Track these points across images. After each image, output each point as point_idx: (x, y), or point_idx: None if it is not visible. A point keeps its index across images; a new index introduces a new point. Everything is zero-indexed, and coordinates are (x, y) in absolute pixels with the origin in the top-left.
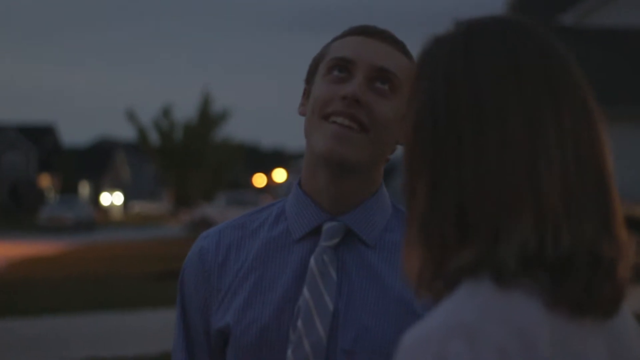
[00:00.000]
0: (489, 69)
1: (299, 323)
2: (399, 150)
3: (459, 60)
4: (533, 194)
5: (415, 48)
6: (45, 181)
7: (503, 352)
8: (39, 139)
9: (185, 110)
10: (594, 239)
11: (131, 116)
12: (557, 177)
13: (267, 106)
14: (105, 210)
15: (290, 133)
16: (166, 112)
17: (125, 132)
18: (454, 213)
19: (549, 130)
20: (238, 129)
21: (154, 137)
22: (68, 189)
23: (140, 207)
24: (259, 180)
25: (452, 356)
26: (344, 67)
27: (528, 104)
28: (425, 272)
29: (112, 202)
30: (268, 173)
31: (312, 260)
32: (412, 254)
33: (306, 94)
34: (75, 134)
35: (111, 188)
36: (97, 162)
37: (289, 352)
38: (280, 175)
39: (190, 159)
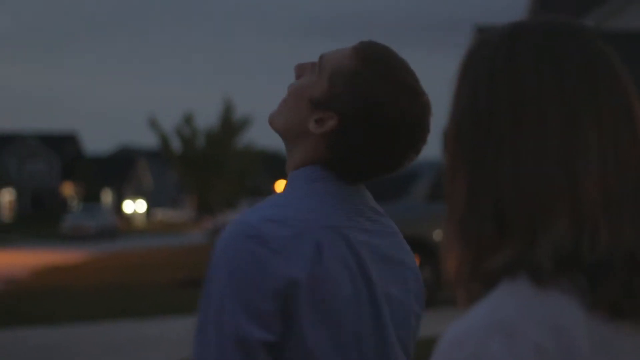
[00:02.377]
0: (531, 71)
1: None
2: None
3: (501, 61)
4: (571, 195)
5: (424, 53)
6: (67, 189)
7: (542, 351)
8: (61, 147)
9: (207, 118)
10: (634, 241)
11: (153, 124)
12: (596, 179)
13: None
14: (128, 218)
15: None
16: (188, 119)
17: (147, 140)
18: (491, 213)
19: (588, 133)
20: (260, 136)
21: (176, 145)
22: (91, 197)
23: (163, 214)
24: (281, 186)
25: (491, 354)
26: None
27: (568, 106)
28: (462, 271)
29: (134, 210)
30: None
31: None
32: (450, 253)
33: None
34: (97, 142)
35: (133, 196)
36: (120, 170)
37: None
38: None
39: (212, 166)
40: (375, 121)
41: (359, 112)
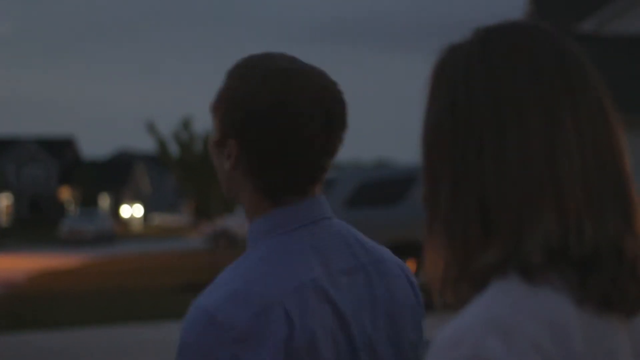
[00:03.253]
0: (507, 71)
1: None
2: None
3: (477, 64)
4: (554, 189)
5: (431, 56)
6: (65, 194)
7: (538, 347)
8: (59, 152)
9: (205, 122)
10: (617, 235)
11: (151, 128)
12: (578, 173)
13: None
14: (126, 223)
15: None
16: (186, 124)
17: (145, 144)
18: (476, 211)
19: (568, 129)
20: None
21: (174, 149)
22: (88, 202)
23: (161, 219)
24: None
25: (488, 353)
26: None
27: (546, 104)
28: (449, 273)
29: (132, 215)
30: None
31: None
32: (435, 256)
33: None
34: (95, 146)
35: (131, 200)
36: (117, 174)
37: None
38: None
39: (210, 170)
40: (265, 125)
41: (245, 121)
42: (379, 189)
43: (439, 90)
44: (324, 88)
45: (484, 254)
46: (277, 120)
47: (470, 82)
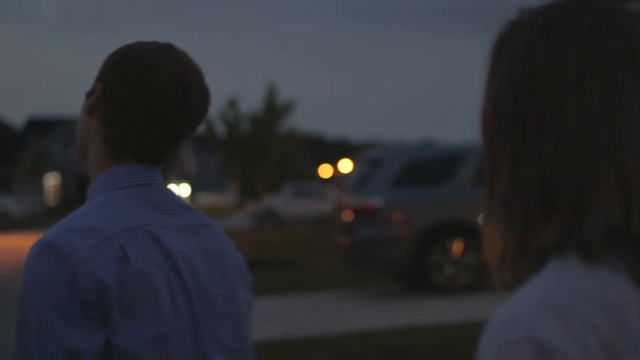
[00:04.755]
0: (569, 47)
1: None
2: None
3: (538, 40)
4: (617, 169)
5: (483, 34)
6: None
7: (594, 328)
8: None
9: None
10: None
11: None
12: None
13: (331, 97)
14: None
15: (355, 123)
16: (232, 104)
17: None
18: (537, 190)
19: (631, 107)
20: (303, 120)
21: (220, 129)
22: None
23: (207, 198)
24: (325, 171)
25: (543, 334)
26: None
27: (609, 81)
28: (508, 252)
29: (178, 194)
30: (333, 164)
31: None
32: (494, 235)
33: None
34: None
35: (177, 180)
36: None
37: None
38: (346, 165)
39: (256, 150)
40: (128, 76)
41: (114, 67)
42: (426, 168)
43: (499, 66)
44: (191, 72)
45: (544, 232)
46: (140, 74)
47: (531, 58)
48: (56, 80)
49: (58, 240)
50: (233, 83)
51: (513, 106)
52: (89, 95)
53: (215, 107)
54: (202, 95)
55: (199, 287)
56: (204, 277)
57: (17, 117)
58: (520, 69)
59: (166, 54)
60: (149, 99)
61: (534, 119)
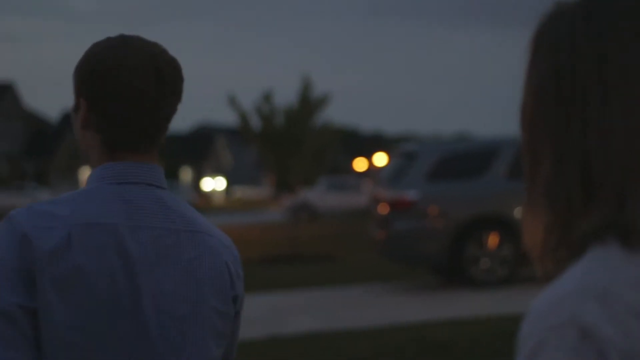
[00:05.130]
0: (611, 34)
1: None
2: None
3: (580, 27)
4: None
5: (496, 30)
6: None
7: (636, 314)
8: None
9: (286, 95)
10: None
11: (232, 101)
12: None
13: (366, 90)
14: (207, 196)
15: (390, 117)
16: (267, 97)
17: (226, 118)
18: (579, 177)
19: None
20: (338, 114)
21: (255, 123)
22: (170, 175)
23: (242, 192)
24: (360, 164)
25: (585, 319)
26: None
27: None
28: (549, 240)
29: (213, 188)
30: (368, 157)
31: None
32: (534, 224)
33: None
34: (176, 120)
35: (213, 173)
36: (199, 147)
37: None
38: (381, 159)
39: (291, 143)
40: (104, 82)
41: (90, 81)
42: (461, 162)
43: (541, 55)
44: (156, 53)
45: (585, 220)
46: (114, 77)
47: (574, 47)
48: None
49: (17, 216)
50: (268, 77)
51: (556, 94)
52: (76, 110)
53: (251, 100)
54: (172, 70)
55: (156, 290)
56: (166, 281)
57: (52, 112)
58: (563, 57)
59: (128, 47)
60: (125, 94)
61: (577, 105)
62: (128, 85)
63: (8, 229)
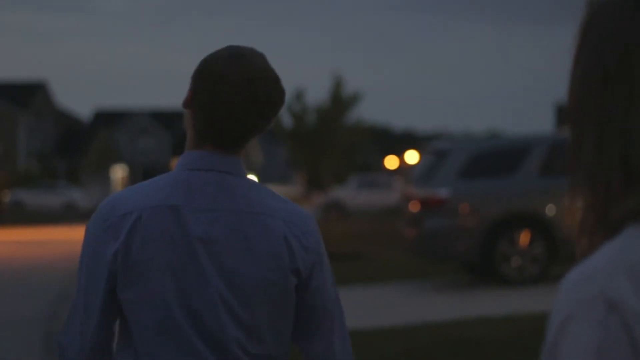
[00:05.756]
0: None
1: None
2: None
3: (628, 16)
4: None
5: (529, 27)
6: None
7: None
8: (172, 123)
9: (317, 93)
10: None
11: None
12: None
13: (397, 88)
14: None
15: (421, 114)
16: (299, 96)
17: None
18: (619, 162)
19: None
20: (369, 112)
21: (286, 120)
22: None
23: (273, 189)
24: (391, 162)
25: (615, 293)
26: None
27: None
28: (587, 222)
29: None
30: (399, 155)
31: None
32: (576, 202)
33: None
34: None
35: None
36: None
37: None
38: (412, 157)
39: (322, 141)
40: (206, 82)
41: (199, 75)
42: (493, 159)
43: (588, 44)
44: (258, 70)
45: (623, 202)
46: (214, 84)
47: (621, 36)
48: (123, 73)
49: (102, 208)
50: (300, 75)
51: (603, 80)
52: (187, 103)
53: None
54: (267, 98)
55: (215, 262)
56: (224, 256)
57: (84, 110)
58: (611, 44)
59: (236, 64)
60: (220, 104)
61: (622, 90)
62: (222, 97)
63: (97, 220)
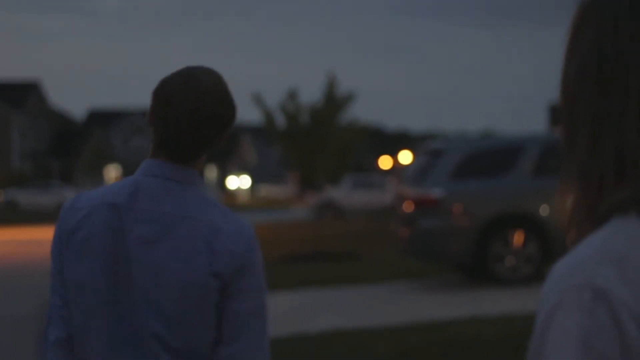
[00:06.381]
0: None
1: None
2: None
3: (624, 13)
4: None
5: (520, 29)
6: None
7: None
8: None
9: (311, 94)
10: None
11: (258, 100)
12: None
13: (391, 88)
14: (232, 194)
15: (415, 115)
16: (292, 96)
17: (251, 116)
18: (613, 158)
19: None
20: (363, 112)
21: (280, 121)
22: None
23: (267, 190)
24: (385, 162)
25: (601, 282)
26: None
27: None
28: (577, 214)
29: (238, 186)
30: (393, 155)
31: None
32: (567, 197)
33: None
34: None
35: (237, 171)
36: (223, 145)
37: None
38: (406, 157)
39: (316, 141)
40: (156, 100)
41: (153, 94)
42: (487, 159)
43: (582, 38)
44: (205, 89)
45: (613, 195)
46: (162, 105)
47: (616, 27)
48: (117, 73)
49: (72, 200)
50: (293, 75)
51: (598, 75)
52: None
53: (276, 98)
54: (213, 115)
55: (144, 260)
56: (153, 254)
57: (78, 110)
58: (607, 40)
59: (185, 84)
60: (170, 121)
61: (618, 86)
62: (169, 116)
63: (64, 208)
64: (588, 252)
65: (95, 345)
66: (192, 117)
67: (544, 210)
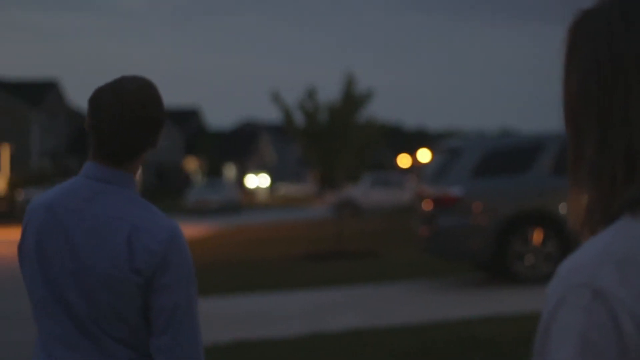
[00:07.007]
0: None
1: None
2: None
3: (618, 24)
4: None
5: (540, 26)
6: (191, 164)
7: None
8: (185, 122)
9: (329, 92)
10: None
11: (276, 98)
12: None
13: (409, 86)
14: (251, 193)
15: (433, 113)
16: (311, 94)
17: (269, 115)
18: (622, 155)
19: None
20: (381, 110)
21: (298, 119)
22: (213, 172)
23: (286, 188)
24: (404, 160)
25: (601, 282)
26: None
27: None
28: (591, 216)
29: (257, 185)
30: (412, 153)
31: None
32: (579, 198)
33: None
34: (220, 117)
35: (256, 170)
36: (242, 144)
37: None
38: (424, 155)
39: (335, 140)
40: (89, 109)
41: (87, 108)
42: (506, 157)
43: (581, 50)
44: (127, 95)
45: (623, 195)
46: (92, 110)
47: (613, 38)
48: (136, 71)
49: (32, 201)
50: (312, 73)
51: (599, 84)
52: None
53: (294, 97)
54: (135, 119)
55: (73, 255)
56: (81, 250)
57: None
58: (605, 48)
59: (110, 92)
60: (98, 125)
61: (620, 94)
62: (95, 122)
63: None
64: (592, 253)
65: (52, 348)
66: (115, 121)
67: (563, 208)
